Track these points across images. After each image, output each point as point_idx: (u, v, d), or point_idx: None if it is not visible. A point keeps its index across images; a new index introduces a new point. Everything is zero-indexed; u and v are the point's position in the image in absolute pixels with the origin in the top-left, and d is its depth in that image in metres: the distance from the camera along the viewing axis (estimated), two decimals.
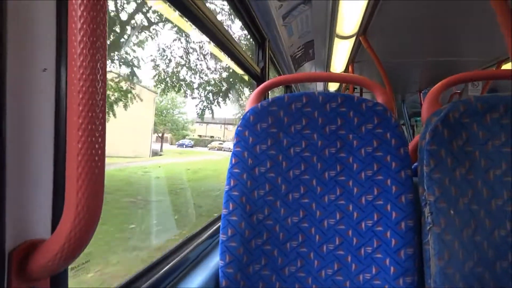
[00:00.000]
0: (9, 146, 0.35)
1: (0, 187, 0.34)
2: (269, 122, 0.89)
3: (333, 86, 3.94)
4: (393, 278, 0.79)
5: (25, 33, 0.37)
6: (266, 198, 0.86)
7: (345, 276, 0.82)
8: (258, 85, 1.74)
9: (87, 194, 0.34)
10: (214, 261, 0.93)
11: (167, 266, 0.78)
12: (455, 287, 0.76)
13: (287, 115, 0.89)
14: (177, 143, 18.09)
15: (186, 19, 0.97)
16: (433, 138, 0.84)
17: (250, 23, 1.58)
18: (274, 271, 0.84)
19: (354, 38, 2.23)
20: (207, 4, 1.02)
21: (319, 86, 4.02)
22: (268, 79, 1.85)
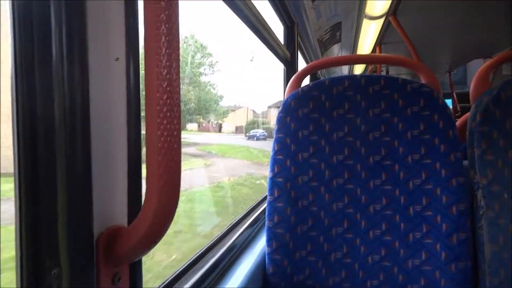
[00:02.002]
0: (93, 136, 0.36)
1: (88, 176, 0.35)
2: (310, 107, 0.88)
3: (358, 70, 3.85)
4: (444, 264, 0.77)
5: (100, 23, 0.37)
6: (310, 184, 0.86)
7: (392, 262, 0.81)
8: (288, 70, 1.72)
9: (167, 180, 0.35)
10: (259, 247, 0.94)
11: (217, 255, 0.79)
12: (510, 272, 0.75)
13: (328, 99, 0.88)
14: (247, 134, 14.91)
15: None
16: (484, 119, 0.80)
17: (280, 6, 1.55)
18: (320, 257, 0.84)
19: (383, 19, 2.15)
20: None
21: (344, 71, 3.93)
22: (297, 64, 1.82)
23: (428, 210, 0.80)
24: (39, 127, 0.33)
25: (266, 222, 0.85)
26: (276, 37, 1.41)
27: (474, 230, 0.79)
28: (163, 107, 0.34)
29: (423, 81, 0.91)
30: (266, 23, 1.26)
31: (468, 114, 0.87)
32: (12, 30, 0.33)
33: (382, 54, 1.28)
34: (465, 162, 0.83)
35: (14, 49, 0.33)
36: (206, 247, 0.85)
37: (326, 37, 2.30)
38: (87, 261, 0.36)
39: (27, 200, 0.33)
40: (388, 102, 0.85)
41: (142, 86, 0.43)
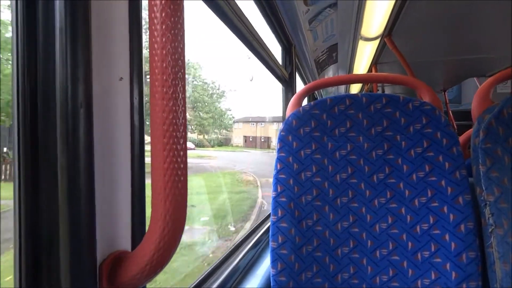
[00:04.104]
0: (96, 158, 0.35)
1: (91, 199, 0.34)
2: (312, 126, 0.88)
3: (354, 89, 3.90)
4: (455, 284, 0.75)
5: (104, 45, 0.37)
6: (314, 203, 0.84)
7: (401, 282, 0.79)
8: (287, 90, 1.73)
9: (173, 202, 0.34)
10: (263, 268, 0.91)
11: (221, 278, 0.77)
12: None
13: (330, 118, 0.88)
14: None
15: (221, 21, 0.98)
16: (487, 136, 0.80)
17: (278, 28, 1.58)
18: (327, 279, 0.81)
19: (378, 40, 2.20)
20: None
21: (341, 89, 3.97)
22: (296, 84, 1.84)
23: (435, 228, 0.79)
24: (41, 150, 0.32)
25: (270, 243, 0.83)
26: (275, 58, 1.43)
27: (483, 248, 0.78)
28: (169, 126, 0.33)
29: (422, 99, 0.91)
30: (266, 46, 1.28)
31: (470, 131, 0.86)
32: (16, 51, 0.33)
33: (381, 73, 1.31)
34: (470, 179, 0.82)
35: (16, 73, 0.33)
36: (208, 271, 0.82)
37: (323, 58, 2.34)
38: None
39: (27, 224, 0.32)
40: (390, 120, 0.85)
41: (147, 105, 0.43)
